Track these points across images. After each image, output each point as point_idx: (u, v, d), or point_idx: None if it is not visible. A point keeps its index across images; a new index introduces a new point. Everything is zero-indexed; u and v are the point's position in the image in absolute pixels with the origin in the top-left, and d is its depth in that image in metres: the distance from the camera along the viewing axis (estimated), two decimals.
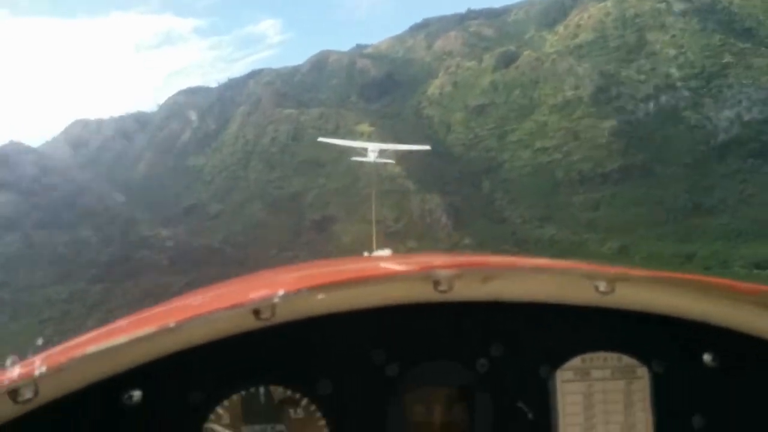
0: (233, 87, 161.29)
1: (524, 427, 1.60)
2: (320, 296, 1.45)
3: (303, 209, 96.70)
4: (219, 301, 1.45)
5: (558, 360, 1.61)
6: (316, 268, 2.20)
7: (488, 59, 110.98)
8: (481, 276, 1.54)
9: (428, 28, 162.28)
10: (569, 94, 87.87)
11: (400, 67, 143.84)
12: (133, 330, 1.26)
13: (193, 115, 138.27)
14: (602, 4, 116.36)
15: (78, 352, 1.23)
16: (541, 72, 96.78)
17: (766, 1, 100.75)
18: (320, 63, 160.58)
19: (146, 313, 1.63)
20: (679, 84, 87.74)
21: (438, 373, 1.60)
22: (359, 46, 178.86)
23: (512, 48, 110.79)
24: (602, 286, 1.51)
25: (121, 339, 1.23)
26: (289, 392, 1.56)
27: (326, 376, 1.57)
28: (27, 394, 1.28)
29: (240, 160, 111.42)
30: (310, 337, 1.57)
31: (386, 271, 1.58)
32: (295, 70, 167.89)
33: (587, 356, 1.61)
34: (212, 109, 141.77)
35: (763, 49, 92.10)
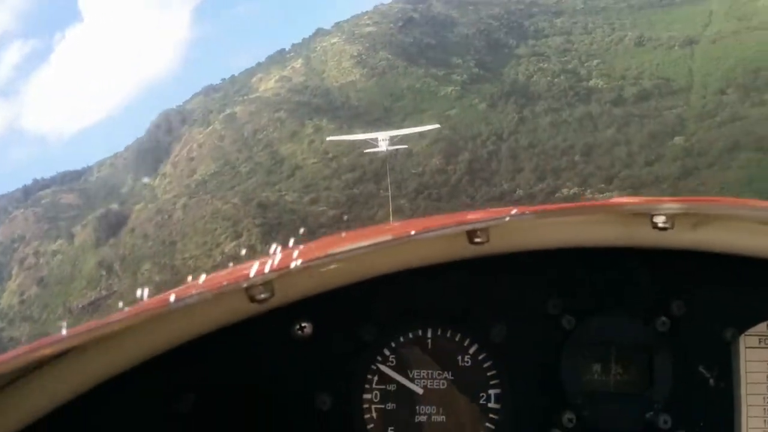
0: None
1: (704, 393, 1.49)
2: (543, 221, 1.35)
3: None
4: (438, 220, 1.34)
5: (743, 324, 1.48)
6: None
7: (83, 233, 74.23)
8: (695, 220, 1.41)
9: None
10: (232, 244, 58.33)
11: None
12: (376, 236, 1.23)
13: None
14: (210, 128, 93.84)
15: (332, 250, 1.17)
16: (174, 228, 65.16)
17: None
18: None
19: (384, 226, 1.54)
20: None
21: (616, 330, 1.49)
22: None
23: (114, 206, 76.46)
24: None
25: (385, 236, 1.18)
26: (458, 337, 1.47)
27: (500, 323, 1.46)
28: (263, 294, 1.24)
29: None
30: (485, 281, 1.47)
31: (611, 201, 1.44)
32: None
33: None
34: None
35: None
